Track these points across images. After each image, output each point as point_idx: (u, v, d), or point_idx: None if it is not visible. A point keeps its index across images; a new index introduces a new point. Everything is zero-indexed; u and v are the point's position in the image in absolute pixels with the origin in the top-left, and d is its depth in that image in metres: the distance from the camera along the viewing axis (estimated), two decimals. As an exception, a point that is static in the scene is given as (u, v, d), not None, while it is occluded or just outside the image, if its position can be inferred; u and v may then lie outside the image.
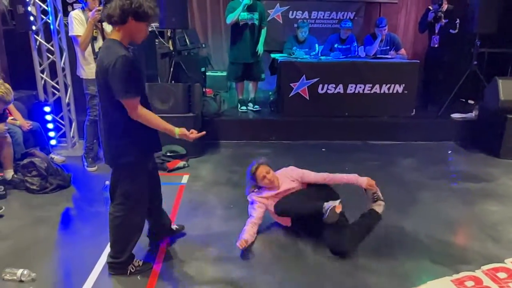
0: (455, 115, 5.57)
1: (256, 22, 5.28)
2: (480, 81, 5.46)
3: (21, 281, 2.41)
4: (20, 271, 2.44)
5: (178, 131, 2.33)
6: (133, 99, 2.16)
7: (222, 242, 2.92)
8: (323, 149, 5.07)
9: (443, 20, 5.60)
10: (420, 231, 3.09)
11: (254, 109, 5.66)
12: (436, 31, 5.67)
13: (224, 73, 6.93)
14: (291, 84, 5.39)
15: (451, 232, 3.11)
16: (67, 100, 4.76)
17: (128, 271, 2.49)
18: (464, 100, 5.95)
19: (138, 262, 2.55)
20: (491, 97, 4.91)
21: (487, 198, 3.72)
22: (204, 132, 2.51)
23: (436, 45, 5.69)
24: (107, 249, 2.66)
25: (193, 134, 2.38)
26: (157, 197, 2.72)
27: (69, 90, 4.77)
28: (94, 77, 3.76)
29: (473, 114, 5.51)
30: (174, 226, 2.97)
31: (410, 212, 3.40)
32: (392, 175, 4.28)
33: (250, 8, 5.17)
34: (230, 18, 5.18)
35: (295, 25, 6.11)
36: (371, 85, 5.40)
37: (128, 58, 2.11)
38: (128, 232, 2.45)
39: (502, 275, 2.57)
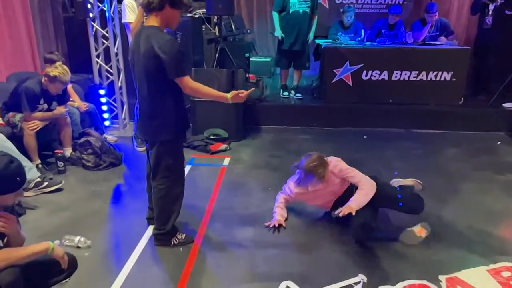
0: (507, 105, 5.31)
1: (308, 10, 5.25)
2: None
3: (78, 247, 2.68)
4: (77, 238, 2.72)
5: (229, 95, 2.48)
6: (186, 77, 2.37)
7: (259, 221, 3.06)
8: (364, 136, 5.05)
9: (499, 1, 5.30)
10: (459, 221, 3.06)
11: (296, 97, 5.68)
12: (490, 12, 5.37)
13: (268, 59, 7.03)
14: (335, 70, 5.38)
15: (492, 223, 3.05)
16: (119, 84, 5.06)
17: (172, 243, 2.70)
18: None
19: (181, 235, 2.75)
20: (548, 86, 4.64)
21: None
22: (253, 88, 2.74)
23: (488, 26, 5.38)
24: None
25: (243, 93, 2.49)
26: None
27: (122, 74, 5.06)
28: None
29: (527, 104, 5.24)
30: None
31: (450, 202, 3.36)
32: (435, 164, 4.21)
33: None
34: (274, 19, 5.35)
35: (341, 10, 6.03)
36: (417, 72, 5.27)
37: (176, 41, 2.32)
38: (172, 203, 2.64)
39: (506, 274, 2.52)
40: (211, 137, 4.64)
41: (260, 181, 3.77)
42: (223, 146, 4.54)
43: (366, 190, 2.77)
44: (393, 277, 2.42)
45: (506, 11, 5.40)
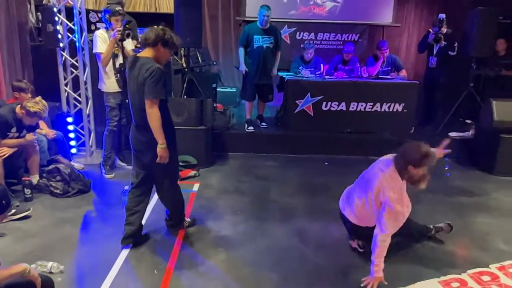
0: (453, 134, 5.83)
1: (271, 46, 5.52)
2: (477, 102, 5.75)
3: (50, 272, 2.69)
4: (50, 263, 2.73)
5: (163, 146, 2.85)
6: (155, 100, 2.76)
7: (231, 244, 3.20)
8: (326, 163, 5.35)
9: (443, 42, 5.91)
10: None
11: (262, 126, 5.87)
12: (434, 52, 5.99)
13: (234, 89, 7.32)
14: (297, 101, 5.72)
15: (443, 240, 3.35)
16: (87, 112, 5.11)
17: (184, 225, 3.36)
18: (461, 119, 6.22)
19: (187, 219, 3.41)
20: (486, 117, 5.19)
21: (479, 211, 3.97)
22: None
23: (433, 66, 5.99)
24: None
25: (165, 155, 2.89)
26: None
27: (90, 102, 5.12)
28: (114, 90, 4.23)
29: (470, 133, 5.78)
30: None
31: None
32: (390, 188, 4.54)
33: (266, 32, 5.46)
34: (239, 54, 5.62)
35: (302, 46, 6.47)
36: (372, 104, 5.71)
37: (160, 69, 2.75)
38: (180, 194, 3.27)
39: (486, 278, 2.82)
40: (180, 163, 4.75)
41: (230, 206, 3.92)
42: (193, 173, 4.66)
43: (383, 247, 2.65)
44: (356, 290, 2.63)
45: (449, 52, 6.03)
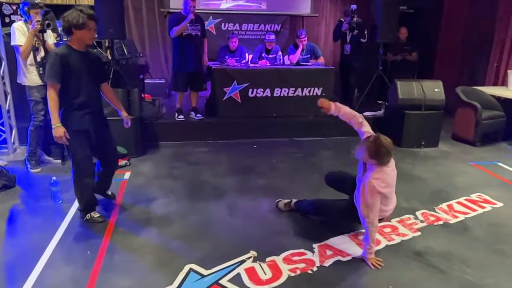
0: (367, 113, 6.42)
1: (199, 33, 5.61)
2: (386, 84, 6.40)
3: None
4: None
5: (59, 124, 3.01)
6: (50, 83, 2.98)
7: (162, 222, 3.37)
8: (254, 146, 5.66)
9: (355, 31, 6.48)
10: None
11: (197, 118, 5.92)
12: (348, 40, 6.55)
13: (162, 81, 7.37)
14: (224, 89, 5.95)
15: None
16: (7, 107, 4.92)
17: (85, 218, 3.34)
18: (374, 100, 6.87)
19: (95, 213, 3.36)
20: (393, 97, 5.82)
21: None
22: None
23: (348, 52, 6.56)
24: (59, 232, 3.08)
25: (63, 134, 3.02)
26: None
27: (9, 97, 4.94)
28: (36, 84, 4.19)
29: (381, 112, 6.42)
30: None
31: (322, 191, 4.02)
32: (312, 164, 4.97)
33: (193, 20, 5.50)
34: (175, 31, 5.43)
35: (227, 36, 6.70)
36: (294, 89, 6.12)
37: (55, 54, 2.96)
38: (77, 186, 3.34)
39: (387, 230, 3.30)
40: (110, 154, 4.79)
41: (162, 189, 4.07)
42: (123, 162, 4.71)
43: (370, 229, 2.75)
44: (277, 250, 2.95)
45: (361, 39, 6.61)
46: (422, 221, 3.46)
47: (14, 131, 5.08)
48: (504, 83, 6.74)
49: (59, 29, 4.83)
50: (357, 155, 2.87)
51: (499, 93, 6.10)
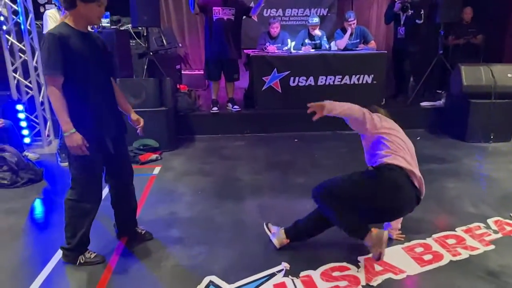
0: (424, 103, 5.73)
1: (232, 18, 5.19)
2: (447, 70, 5.63)
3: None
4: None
5: (72, 131, 2.23)
6: (50, 77, 2.21)
7: (185, 223, 3.01)
8: (295, 140, 5.18)
9: (410, 11, 5.75)
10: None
11: (234, 109, 5.56)
12: (402, 22, 5.84)
13: (201, 72, 7.06)
14: (264, 78, 5.51)
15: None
16: (40, 99, 4.82)
17: (78, 261, 2.47)
18: (433, 89, 6.10)
19: (91, 253, 2.51)
20: (456, 84, 5.08)
21: (448, 177, 3.85)
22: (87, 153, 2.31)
23: (402, 36, 5.85)
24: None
25: (83, 147, 2.27)
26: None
27: (43, 89, 4.83)
28: None
29: (441, 102, 5.68)
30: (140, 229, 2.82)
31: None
32: (358, 160, 4.36)
33: (226, 3, 5.12)
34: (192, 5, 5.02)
35: (268, 22, 6.23)
36: (341, 77, 5.54)
37: (51, 35, 2.17)
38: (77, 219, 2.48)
39: (451, 241, 2.70)
40: (141, 147, 4.54)
41: (191, 187, 3.72)
42: (154, 156, 4.45)
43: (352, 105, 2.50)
44: (314, 262, 2.47)
45: (416, 21, 5.87)
46: (495, 232, 2.82)
47: (48, 123, 4.98)
48: None
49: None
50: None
51: None
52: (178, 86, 5.61)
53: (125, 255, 2.61)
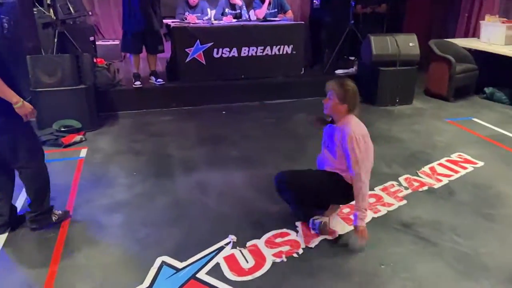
0: (339, 71, 6.15)
1: None
2: (357, 38, 6.06)
3: None
4: None
5: (20, 103, 2.38)
6: None
7: (127, 207, 3.01)
8: (223, 112, 5.27)
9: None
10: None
11: (158, 83, 5.40)
12: (317, -7, 6.10)
13: (116, 42, 6.69)
14: (187, 50, 5.43)
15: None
16: None
17: (53, 219, 2.73)
18: (346, 56, 6.54)
19: (57, 211, 2.78)
20: (366, 53, 5.51)
21: (364, 141, 4.29)
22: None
23: (317, 6, 6.12)
24: (4, 229, 2.63)
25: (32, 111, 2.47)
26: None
27: None
28: None
29: (354, 69, 6.13)
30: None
31: (300, 160, 3.77)
32: (286, 130, 4.68)
33: None
34: None
35: (186, -10, 6.05)
36: (262, 47, 5.67)
37: None
38: (47, 178, 2.70)
39: (371, 200, 3.09)
40: (62, 129, 4.28)
41: (124, 168, 3.66)
42: (78, 137, 4.23)
43: (364, 190, 2.46)
44: (257, 231, 2.68)
45: (330, -8, 6.16)
46: (406, 188, 3.29)
47: None
48: (475, 34, 6.58)
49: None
50: (325, 109, 2.61)
51: (471, 45, 5.94)
52: (95, 60, 5.27)
53: (68, 245, 2.56)
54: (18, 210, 2.83)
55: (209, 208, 3.00)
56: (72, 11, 6.24)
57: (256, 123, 4.84)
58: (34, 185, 2.63)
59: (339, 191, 2.62)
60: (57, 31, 5.11)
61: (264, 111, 5.30)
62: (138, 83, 5.31)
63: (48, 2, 5.74)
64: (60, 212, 2.80)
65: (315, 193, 2.64)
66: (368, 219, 2.82)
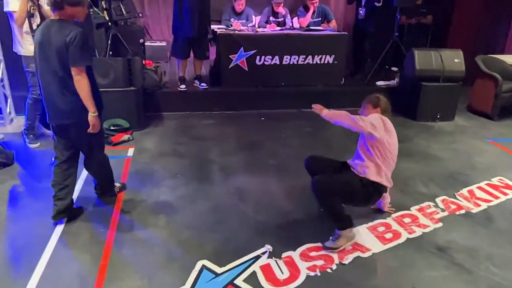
0: (380, 83, 6.13)
1: None
2: (401, 51, 6.02)
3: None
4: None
5: (94, 114, 2.74)
6: (82, 67, 2.62)
7: (171, 208, 3.20)
8: (262, 118, 5.40)
9: (369, -7, 6.01)
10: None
11: (202, 87, 5.59)
12: (363, 4, 6.10)
13: (163, 43, 6.96)
14: (230, 56, 5.60)
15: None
16: (0, 76, 4.61)
17: (116, 191, 3.32)
18: (388, 67, 6.50)
19: (116, 184, 3.36)
20: (409, 66, 5.48)
21: (401, 157, 4.24)
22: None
23: (362, 17, 6.13)
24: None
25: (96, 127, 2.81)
26: None
27: (1, 65, 4.61)
28: (33, 54, 3.74)
29: (395, 81, 6.10)
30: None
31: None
32: (322, 139, 4.75)
33: None
34: None
35: (233, -3, 6.21)
36: (304, 56, 5.76)
37: (82, 33, 2.58)
38: (108, 165, 3.20)
39: (407, 220, 3.13)
40: (112, 128, 4.55)
41: (168, 169, 3.87)
42: (126, 137, 4.49)
43: (346, 114, 2.83)
44: (293, 243, 2.79)
45: (375, 3, 6.14)
46: (443, 210, 3.29)
47: (9, 101, 4.81)
48: (525, 51, 6.38)
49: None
50: (360, 113, 3.04)
51: (521, 63, 5.77)
52: (144, 62, 5.54)
53: (118, 242, 2.77)
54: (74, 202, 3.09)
55: (247, 216, 3.14)
56: (124, 13, 6.57)
57: (295, 132, 4.94)
58: (97, 170, 3.15)
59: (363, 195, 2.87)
60: (110, 33, 5.40)
61: (302, 119, 5.38)
62: (183, 86, 5.53)
63: (103, 4, 6.07)
64: (119, 184, 3.38)
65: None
66: (402, 239, 2.88)
